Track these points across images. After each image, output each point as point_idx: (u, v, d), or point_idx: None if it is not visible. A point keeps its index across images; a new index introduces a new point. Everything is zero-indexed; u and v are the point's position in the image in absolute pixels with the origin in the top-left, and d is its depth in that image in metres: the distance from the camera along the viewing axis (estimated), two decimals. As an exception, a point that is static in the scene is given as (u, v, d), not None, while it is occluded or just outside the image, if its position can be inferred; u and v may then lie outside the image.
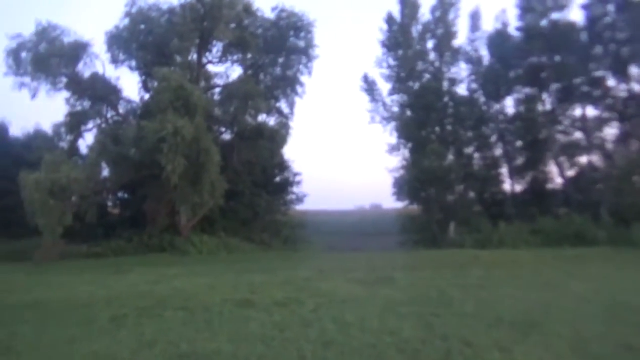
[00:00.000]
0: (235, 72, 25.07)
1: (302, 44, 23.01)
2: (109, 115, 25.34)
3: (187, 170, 18.48)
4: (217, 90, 24.64)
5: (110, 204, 29.94)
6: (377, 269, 12.90)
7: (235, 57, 23.81)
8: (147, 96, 24.22)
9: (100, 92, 23.97)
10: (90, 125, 24.66)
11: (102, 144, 20.66)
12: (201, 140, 18.59)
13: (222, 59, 23.82)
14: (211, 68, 24.62)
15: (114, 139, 20.37)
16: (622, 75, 27.17)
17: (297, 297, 8.43)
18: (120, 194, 29.04)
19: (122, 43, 22.73)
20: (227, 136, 25.60)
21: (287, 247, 26.08)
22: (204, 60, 23.63)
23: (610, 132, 28.99)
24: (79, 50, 22.69)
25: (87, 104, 24.61)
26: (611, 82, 28.09)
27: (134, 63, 24.04)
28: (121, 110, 25.39)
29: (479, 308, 6.97)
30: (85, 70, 23.74)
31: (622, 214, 21.36)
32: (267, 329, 6.11)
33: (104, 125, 24.09)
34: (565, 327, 5.69)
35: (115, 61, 23.47)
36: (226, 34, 21.18)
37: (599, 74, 27.97)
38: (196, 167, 18.78)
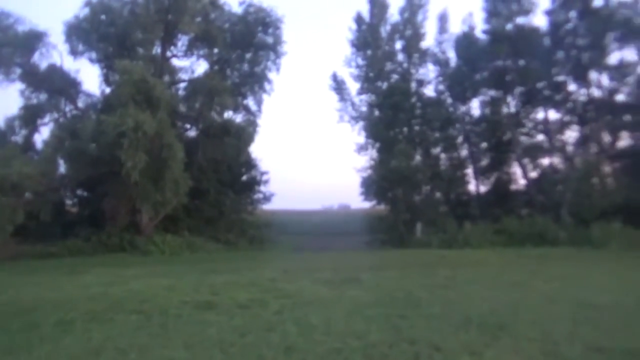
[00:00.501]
0: (201, 67, 24.49)
1: (270, 39, 22.55)
2: (67, 109, 24.23)
3: (148, 167, 17.77)
4: (182, 85, 23.91)
5: (68, 201, 28.66)
6: (343, 269, 12.67)
7: (201, 52, 23.15)
8: (108, 90, 23.27)
9: (57, 85, 22.87)
10: (47, 119, 23.52)
11: (58, 139, 19.70)
12: (164, 136, 17.90)
13: (187, 53, 23.12)
14: (176, 62, 23.91)
15: (71, 134, 19.41)
16: (582, 80, 27.98)
17: (260, 299, 8.09)
18: (79, 192, 27.80)
19: (81, 34, 21.70)
20: (192, 133, 24.90)
21: (253, 247, 25.63)
22: (169, 54, 22.87)
23: (571, 134, 29.91)
24: (34, 39, 21.56)
25: (43, 96, 23.45)
26: (572, 87, 28.93)
27: (94, 55, 23.01)
28: (80, 104, 24.31)
29: (446, 309, 6.80)
30: (41, 61, 22.61)
31: (582, 214, 21.94)
32: (227, 334, 5.74)
33: (61, 120, 22.97)
34: (534, 329, 5.57)
35: (74, 52, 22.39)
36: (191, 27, 20.53)
37: (560, 78, 28.74)
38: (158, 163, 18.09)
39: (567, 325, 5.71)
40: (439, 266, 13.22)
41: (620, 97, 28.00)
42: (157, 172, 18.27)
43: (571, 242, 19.71)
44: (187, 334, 5.82)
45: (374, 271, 12.18)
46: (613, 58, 26.76)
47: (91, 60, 23.26)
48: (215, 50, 24.01)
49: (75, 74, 23.82)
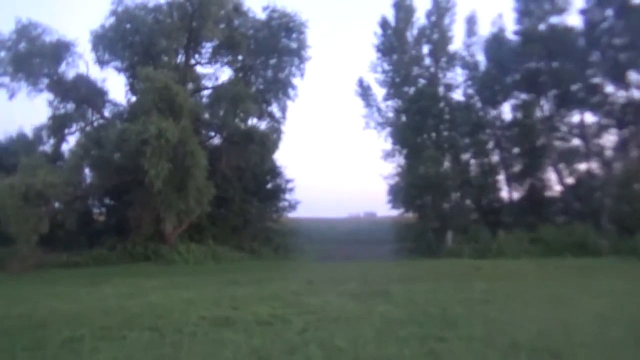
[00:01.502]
0: (225, 74, 24.29)
1: (294, 45, 22.19)
2: (94, 119, 24.38)
3: (171, 175, 17.55)
4: (206, 93, 23.77)
5: (96, 211, 28.87)
6: (371, 281, 12.02)
7: (225, 59, 22.97)
8: (134, 99, 23.31)
9: (84, 94, 23.04)
10: (74, 128, 23.71)
11: (84, 148, 19.72)
12: (187, 144, 17.67)
13: (211, 61, 22.99)
14: (200, 70, 23.80)
15: (97, 143, 19.37)
16: (620, 81, 26.64)
17: (283, 315, 7.53)
18: (107, 201, 27.96)
19: (107, 43, 21.82)
20: (216, 141, 24.70)
21: (279, 256, 25.15)
22: (193, 62, 22.80)
23: (609, 139, 28.48)
24: (62, 50, 21.75)
25: (70, 106, 23.65)
26: (609, 89, 27.60)
27: (120, 64, 23.13)
28: (107, 114, 24.45)
29: (488, 330, 6.09)
30: (68, 71, 22.83)
31: (624, 222, 20.65)
32: (244, 356, 5.20)
33: (88, 129, 23.09)
34: (593, 355, 4.83)
35: (100, 62, 22.54)
36: (215, 34, 20.36)
37: (596, 80, 27.47)
38: (181, 172, 17.85)
39: (632, 352, 4.94)
40: (474, 278, 12.42)
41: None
42: (180, 180, 18.04)
43: (614, 252, 18.49)
44: (201, 355, 5.30)
45: (404, 283, 11.48)
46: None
47: (117, 70, 23.41)
48: (240, 57, 23.82)
49: (102, 83, 24.04)
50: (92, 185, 23.07)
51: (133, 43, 21.91)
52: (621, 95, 27.29)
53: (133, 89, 22.84)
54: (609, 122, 28.34)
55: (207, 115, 23.28)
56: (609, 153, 28.29)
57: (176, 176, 17.88)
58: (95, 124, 24.16)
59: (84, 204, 26.64)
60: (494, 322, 6.63)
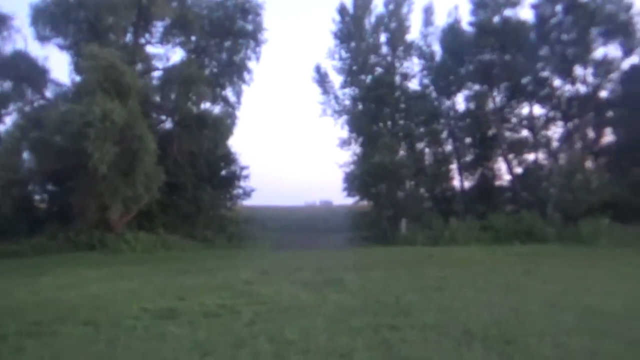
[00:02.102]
0: (177, 55, 23.29)
1: (249, 27, 21.45)
2: (33, 99, 22.76)
3: (118, 160, 16.62)
4: (157, 74, 22.64)
5: (37, 196, 27.26)
6: (325, 269, 11.85)
7: (177, 40, 21.91)
8: (78, 79, 21.88)
9: (23, 72, 21.40)
10: (11, 108, 22.04)
11: (21, 129, 18.35)
12: (134, 127, 16.73)
13: (162, 41, 21.88)
14: (150, 50, 22.62)
15: (36, 124, 18.06)
16: (567, 75, 27.61)
17: (232, 305, 7.19)
18: (49, 186, 26.41)
19: (48, 17, 20.26)
20: (167, 125, 23.71)
21: (232, 245, 24.62)
22: (142, 41, 21.63)
23: (556, 130, 29.62)
24: (-4, 23, 20.12)
25: (7, 84, 21.96)
26: (557, 82, 28.61)
27: (63, 41, 21.61)
28: (49, 94, 22.89)
29: (442, 318, 6.00)
30: (4, 46, 21.14)
31: (568, 211, 21.50)
32: (185, 352, 4.83)
33: (27, 109, 21.56)
34: (547, 344, 4.79)
35: (40, 38, 20.95)
36: (166, 12, 19.35)
37: (545, 73, 28.38)
38: (128, 156, 16.94)
39: (584, 339, 4.94)
40: (427, 265, 12.49)
41: (604, 94, 27.85)
42: (127, 165, 17.12)
43: (559, 239, 19.23)
44: (138, 352, 4.89)
45: (358, 271, 11.37)
46: (597, 54, 26.51)
47: (60, 47, 21.89)
48: (193, 38, 22.82)
49: (43, 61, 22.43)
50: (31, 169, 21.63)
51: (77, 18, 20.49)
52: (567, 89, 28.35)
53: (77, 68, 21.38)
54: (556, 114, 29.47)
55: (157, 98, 22.23)
56: (554, 144, 29.48)
57: (122, 160, 16.95)
58: (36, 105, 22.60)
59: (23, 189, 25.13)
60: (447, 309, 6.56)
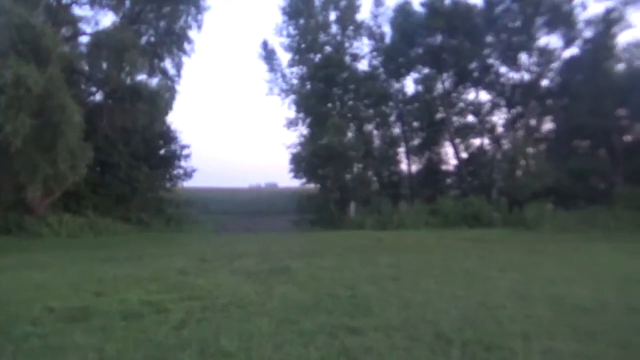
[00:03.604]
0: (109, 19, 21.04)
1: (190, -9, 19.72)
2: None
3: (36, 133, 14.64)
4: (86, 41, 20.33)
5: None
6: (270, 255, 10.87)
7: (109, 3, 19.74)
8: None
9: None
10: None
11: None
12: (55, 96, 14.76)
13: (91, 3, 19.63)
14: (78, 12, 20.26)
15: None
16: (512, 63, 27.91)
17: (159, 302, 6.06)
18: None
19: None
20: (98, 97, 21.56)
21: (170, 228, 23.07)
22: (67, 1, 19.29)
23: (500, 116, 30.07)
24: None
25: None
26: (503, 69, 28.92)
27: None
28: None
29: (407, 316, 5.20)
30: None
31: (513, 196, 21.72)
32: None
33: None
34: (533, 349, 4.08)
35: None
36: (94, -32, 17.29)
37: (491, 59, 28.58)
38: (48, 129, 14.97)
39: (570, 342, 4.28)
40: (378, 251, 11.83)
41: (545, 82, 28.44)
42: (47, 140, 15.15)
43: (505, 223, 19.33)
44: (25, 373, 3.73)
45: (306, 258, 10.48)
46: (541, 43, 26.91)
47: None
48: (127, 2, 20.70)
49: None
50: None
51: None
52: (512, 77, 28.72)
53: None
54: (500, 100, 29.88)
55: (86, 67, 20.03)
56: (499, 130, 29.93)
57: (42, 135, 14.96)
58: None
59: None
60: (409, 304, 5.78)
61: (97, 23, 20.22)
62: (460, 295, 6.30)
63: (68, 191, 20.74)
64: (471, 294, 6.40)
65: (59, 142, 15.04)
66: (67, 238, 17.64)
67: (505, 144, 29.28)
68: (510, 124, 29.47)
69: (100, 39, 17.78)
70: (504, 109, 30.00)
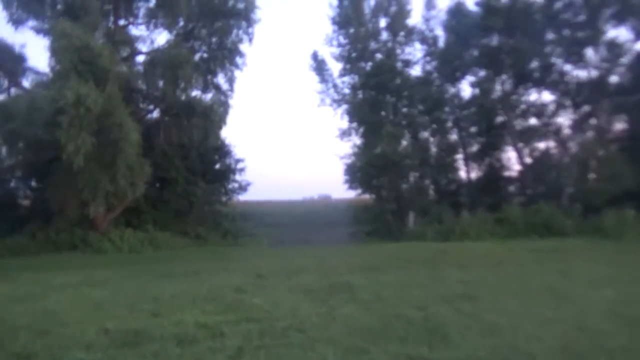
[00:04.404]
0: (164, 38, 21.54)
1: (241, 5, 19.76)
2: (12, 90, 21.07)
3: (96, 151, 14.99)
4: (142, 60, 20.88)
5: (21, 193, 25.74)
6: (329, 270, 10.34)
7: (163, 21, 20.16)
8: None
9: (-5, 59, 19.76)
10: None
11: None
12: (113, 114, 15.10)
13: (146, 22, 20.15)
14: (134, 32, 20.87)
15: (8, 115, 16.36)
16: (578, 60, 26.11)
17: (215, 324, 5.67)
18: (33, 183, 24.84)
19: (23, -1, 18.59)
20: (155, 115, 22.05)
21: (227, 242, 23.10)
22: (125, 22, 19.90)
23: (566, 117, 28.14)
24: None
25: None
26: (567, 67, 27.11)
27: (42, 24, 19.86)
28: (27, 84, 21.23)
29: (493, 344, 4.47)
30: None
31: (587, 201, 20.01)
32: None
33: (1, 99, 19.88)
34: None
35: (14, 20, 19.23)
36: (148, -12, 17.69)
37: (554, 57, 26.88)
38: (108, 147, 15.31)
39: None
40: (444, 264, 10.99)
41: (614, 78, 26.35)
42: (107, 157, 15.49)
43: (579, 232, 17.73)
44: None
45: (367, 272, 9.86)
46: (608, 37, 24.99)
47: (36, 31, 20.14)
48: (181, 23, 21.13)
49: (20, 48, 20.75)
50: (13, 165, 20.11)
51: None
52: (577, 74, 26.85)
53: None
54: (565, 100, 27.98)
55: (143, 85, 20.53)
56: (566, 132, 27.99)
57: (102, 152, 15.33)
58: (13, 95, 20.90)
59: (5, 186, 23.61)
60: (493, 329, 5.04)
61: (152, 42, 20.76)
62: (551, 317, 5.47)
63: (129, 207, 21.28)
64: (564, 316, 5.55)
65: (118, 159, 15.34)
66: (128, 253, 17.95)
67: (573, 147, 27.36)
68: (577, 125, 27.48)
69: (155, 57, 18.17)
70: (570, 109, 28.06)
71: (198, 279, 9.88)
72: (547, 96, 28.29)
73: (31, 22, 19.80)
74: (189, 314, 6.29)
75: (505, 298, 6.73)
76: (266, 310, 6.43)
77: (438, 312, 5.92)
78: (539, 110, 28.61)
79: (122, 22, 19.72)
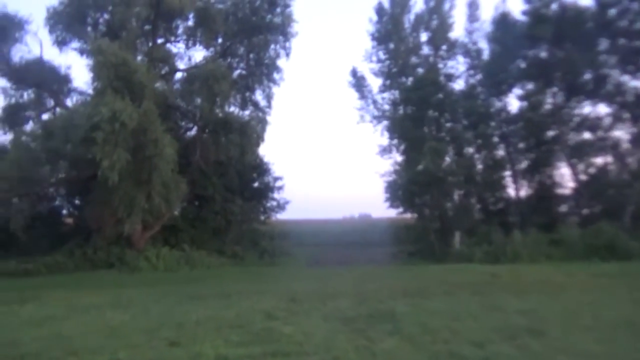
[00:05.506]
0: (200, 54, 21.56)
1: (277, 20, 19.49)
2: (56, 108, 21.57)
3: (132, 168, 14.82)
4: (181, 77, 20.92)
5: (64, 211, 26.28)
6: (368, 295, 9.44)
7: (200, 38, 20.19)
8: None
9: (42, 80, 20.27)
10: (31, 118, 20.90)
11: (35, 138, 16.89)
12: (149, 130, 14.92)
13: (185, 40, 20.23)
14: (173, 50, 21.00)
15: (47, 133, 16.56)
16: (635, 69, 24.36)
17: (238, 358, 4.93)
18: (77, 200, 25.26)
19: (64, 19, 19.03)
20: (193, 132, 21.99)
21: (263, 261, 22.48)
22: (163, 40, 20.04)
23: (625, 131, 26.20)
24: (11, 27, 18.97)
25: (27, 93, 20.86)
26: (624, 78, 25.32)
27: (84, 44, 20.28)
28: (71, 104, 21.69)
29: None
30: (19, 53, 20.04)
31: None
32: None
33: (45, 117, 20.34)
34: None
35: (58, 42, 19.73)
36: (185, 6, 17.63)
37: (608, 67, 25.17)
38: (144, 163, 15.11)
39: None
40: (497, 290, 9.87)
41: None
42: (143, 174, 15.29)
43: (647, 255, 16.03)
44: None
45: (410, 298, 8.92)
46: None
47: (80, 52, 20.60)
48: (219, 40, 21.11)
49: (66, 69, 21.30)
50: (56, 182, 20.41)
51: (96, 20, 19.23)
52: (635, 85, 25.02)
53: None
54: (623, 113, 26.09)
55: (182, 103, 20.51)
56: (624, 146, 26.02)
57: (138, 169, 15.15)
58: (57, 114, 21.38)
59: (49, 204, 24.04)
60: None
61: (190, 59, 20.80)
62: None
63: (167, 225, 21.13)
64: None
65: (153, 175, 15.10)
66: (164, 271, 17.62)
67: (633, 162, 25.35)
68: (638, 139, 25.51)
69: (193, 73, 18.04)
70: (629, 123, 26.11)
71: (228, 302, 9.21)
72: (602, 109, 26.50)
73: (75, 44, 20.31)
74: (211, 344, 5.59)
75: (577, 334, 5.67)
76: (297, 342, 5.65)
77: (499, 351, 4.95)
78: (593, 123, 26.77)
79: (160, 40, 19.84)
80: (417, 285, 10.82)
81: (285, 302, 8.87)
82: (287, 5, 19.29)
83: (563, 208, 26.84)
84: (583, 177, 25.97)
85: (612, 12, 23.91)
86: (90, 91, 20.11)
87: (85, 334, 6.46)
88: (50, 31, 19.45)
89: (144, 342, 5.94)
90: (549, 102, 26.85)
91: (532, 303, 8.07)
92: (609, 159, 26.12)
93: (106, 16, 19.30)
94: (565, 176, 26.60)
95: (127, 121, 13.92)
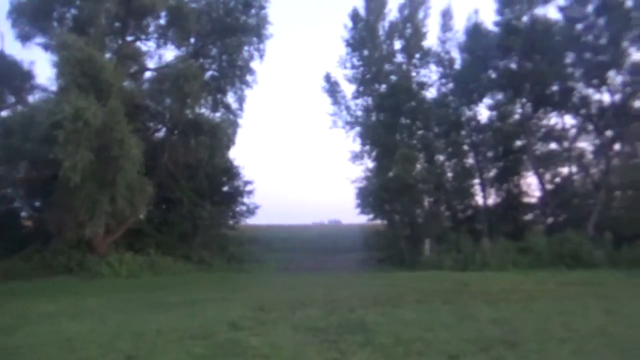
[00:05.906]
0: (171, 53, 20.94)
1: (252, 21, 19.15)
2: (17, 105, 20.56)
3: (95, 169, 14.19)
4: (150, 77, 20.28)
5: (24, 213, 25.07)
6: (339, 303, 9.21)
7: (172, 38, 19.65)
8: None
9: (1, 75, 19.28)
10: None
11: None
12: (114, 130, 14.32)
13: (155, 39, 19.65)
14: (144, 49, 20.35)
15: (5, 130, 15.70)
16: (601, 83, 25.07)
17: (200, 374, 4.59)
18: (37, 202, 24.12)
19: (29, 14, 18.19)
20: (161, 133, 21.35)
21: (232, 267, 21.94)
22: (133, 38, 19.40)
23: (589, 142, 26.95)
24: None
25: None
26: (589, 91, 26.04)
27: (48, 40, 19.41)
28: (33, 101, 20.71)
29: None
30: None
31: (618, 230, 18.65)
32: None
33: (3, 114, 19.32)
34: None
35: (21, 37, 18.83)
36: (158, 4, 17.12)
37: (574, 81, 25.87)
38: (108, 164, 14.49)
39: None
40: (468, 298, 9.81)
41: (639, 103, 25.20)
42: (106, 175, 14.65)
43: (612, 264, 16.37)
44: None
45: (382, 307, 8.75)
46: (633, 59, 23.93)
47: (45, 48, 19.69)
48: (192, 40, 20.60)
49: (29, 65, 20.30)
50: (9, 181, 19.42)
51: (62, 14, 18.46)
52: (598, 98, 25.76)
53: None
54: (588, 125, 26.83)
55: (151, 103, 19.87)
56: (588, 157, 26.76)
57: (101, 170, 14.50)
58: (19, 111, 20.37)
59: (3, 204, 22.90)
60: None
61: (160, 58, 20.22)
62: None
63: (132, 229, 20.37)
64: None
65: (117, 177, 14.50)
66: (126, 278, 16.92)
67: (596, 173, 26.09)
68: (600, 151, 26.26)
69: (163, 73, 17.52)
70: (593, 134, 26.87)
71: (192, 311, 8.83)
72: (568, 120, 27.22)
73: (39, 39, 19.42)
74: (171, 357, 5.24)
75: (553, 346, 5.57)
76: (264, 355, 5.36)
77: (475, 365, 4.79)
78: (559, 134, 27.48)
79: (130, 38, 19.21)
80: (388, 294, 10.65)
81: (252, 311, 8.55)
82: (262, 7, 19.02)
83: (529, 216, 27.40)
84: (549, 186, 26.56)
85: (579, 27, 24.51)
86: (54, 88, 19.37)
87: (35, 347, 5.98)
88: (13, 25, 18.56)
89: (99, 355, 5.52)
90: (517, 113, 27.42)
91: (504, 312, 8.00)
92: (574, 169, 26.85)
93: (74, 11, 18.53)
94: (532, 185, 27.19)
95: (91, 120, 13.31)
